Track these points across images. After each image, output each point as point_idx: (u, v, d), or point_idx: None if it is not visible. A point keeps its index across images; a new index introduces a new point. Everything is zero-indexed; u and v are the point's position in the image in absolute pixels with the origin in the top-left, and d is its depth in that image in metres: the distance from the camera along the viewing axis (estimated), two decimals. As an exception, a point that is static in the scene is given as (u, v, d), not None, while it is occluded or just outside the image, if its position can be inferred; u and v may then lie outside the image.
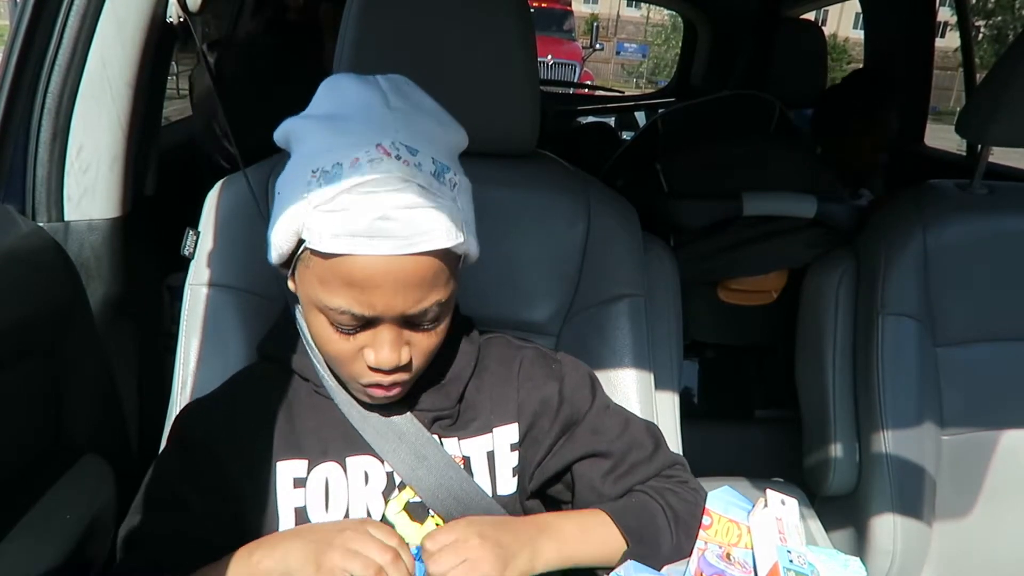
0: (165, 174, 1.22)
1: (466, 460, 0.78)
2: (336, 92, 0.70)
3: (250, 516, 0.75)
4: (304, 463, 0.76)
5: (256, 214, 0.94)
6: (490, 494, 0.78)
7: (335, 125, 0.66)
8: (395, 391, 0.73)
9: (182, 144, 1.81)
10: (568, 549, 0.75)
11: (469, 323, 0.84)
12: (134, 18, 1.01)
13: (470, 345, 0.82)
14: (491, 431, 0.79)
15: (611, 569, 0.75)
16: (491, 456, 0.79)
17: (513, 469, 0.79)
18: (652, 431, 0.86)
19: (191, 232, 0.95)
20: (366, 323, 0.68)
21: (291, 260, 0.70)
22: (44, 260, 0.97)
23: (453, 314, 0.75)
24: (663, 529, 0.78)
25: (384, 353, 0.68)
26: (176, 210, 1.07)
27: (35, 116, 0.98)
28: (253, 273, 0.94)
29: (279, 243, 0.69)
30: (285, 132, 0.70)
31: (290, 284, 0.74)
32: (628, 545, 0.76)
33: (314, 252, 0.66)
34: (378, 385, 0.72)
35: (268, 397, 0.79)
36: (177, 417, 0.81)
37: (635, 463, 0.82)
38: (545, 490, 0.85)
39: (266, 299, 0.94)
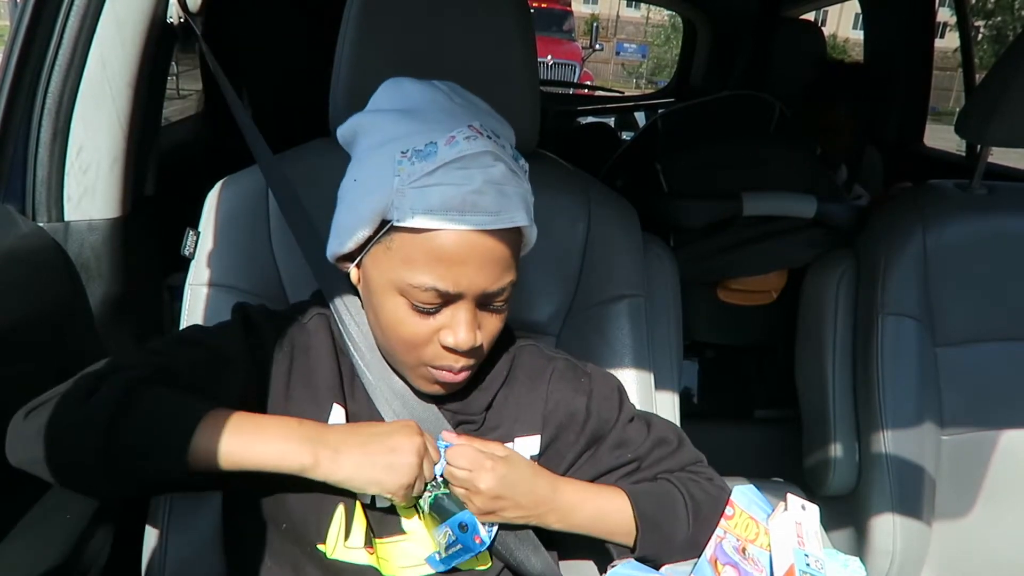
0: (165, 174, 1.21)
1: None
2: (398, 92, 0.73)
3: None
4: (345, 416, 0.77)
5: (256, 214, 0.94)
6: None
7: (412, 115, 0.69)
8: (461, 376, 0.73)
9: (182, 144, 1.81)
10: (573, 523, 0.77)
11: (506, 330, 0.83)
12: (134, 18, 1.01)
13: (505, 353, 0.82)
14: (512, 440, 0.80)
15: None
16: None
17: None
18: (675, 429, 0.87)
19: (191, 232, 0.95)
20: (446, 302, 0.69)
21: (362, 248, 0.71)
22: (44, 260, 0.97)
23: None
24: (681, 520, 0.79)
25: (462, 333, 0.69)
26: (176, 210, 1.07)
27: (35, 116, 0.98)
28: (253, 273, 0.94)
29: (356, 227, 0.69)
30: (352, 127, 0.73)
31: (353, 274, 0.74)
32: (638, 531, 0.77)
33: (402, 231, 0.67)
34: (448, 369, 0.72)
35: (325, 342, 0.78)
36: (242, 305, 0.79)
37: (659, 458, 0.83)
38: None
39: (266, 299, 0.94)
